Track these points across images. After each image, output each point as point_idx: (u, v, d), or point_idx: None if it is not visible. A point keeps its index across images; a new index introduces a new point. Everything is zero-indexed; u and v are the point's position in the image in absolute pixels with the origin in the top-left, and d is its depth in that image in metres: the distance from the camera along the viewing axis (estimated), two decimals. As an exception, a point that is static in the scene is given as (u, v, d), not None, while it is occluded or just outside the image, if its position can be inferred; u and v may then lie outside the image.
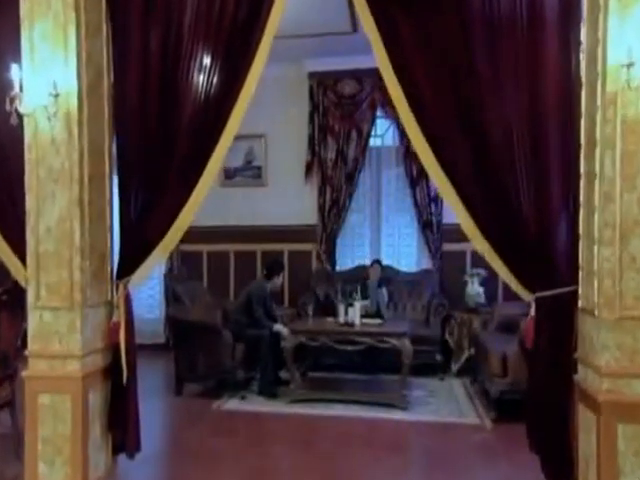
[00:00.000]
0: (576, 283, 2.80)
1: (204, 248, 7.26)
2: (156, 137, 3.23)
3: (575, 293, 2.81)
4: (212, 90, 3.21)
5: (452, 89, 2.98)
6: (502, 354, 4.38)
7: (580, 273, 2.79)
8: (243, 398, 5.06)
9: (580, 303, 2.79)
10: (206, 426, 4.44)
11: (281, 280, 5.57)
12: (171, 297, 5.23)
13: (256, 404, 4.93)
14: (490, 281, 6.18)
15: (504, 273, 2.99)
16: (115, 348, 3.24)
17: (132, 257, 3.28)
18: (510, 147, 2.90)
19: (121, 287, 3.25)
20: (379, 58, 3.11)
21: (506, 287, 6.44)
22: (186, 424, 4.58)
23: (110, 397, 3.25)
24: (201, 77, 3.21)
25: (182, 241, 7.22)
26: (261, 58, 3.19)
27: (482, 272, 6.02)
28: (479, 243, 3.02)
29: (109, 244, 3.28)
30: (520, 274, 2.94)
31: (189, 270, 7.00)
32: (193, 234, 7.23)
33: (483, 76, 2.93)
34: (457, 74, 2.96)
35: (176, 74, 3.20)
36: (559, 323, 2.87)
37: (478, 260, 6.45)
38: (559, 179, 2.85)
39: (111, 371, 3.24)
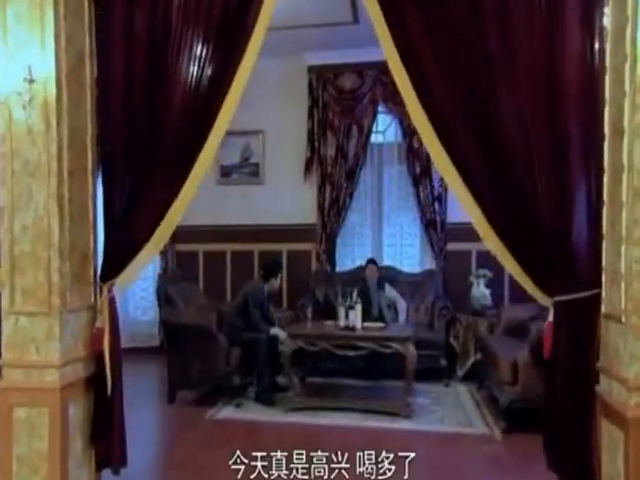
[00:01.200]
0: (599, 286, 2.57)
1: (200, 248, 7.04)
2: (143, 128, 2.99)
3: (598, 297, 2.57)
4: (202, 79, 2.97)
5: (463, 76, 2.73)
6: (512, 360, 4.14)
7: (603, 275, 2.55)
8: (238, 406, 4.82)
9: (604, 308, 2.55)
10: (198, 436, 4.19)
11: (279, 282, 5.32)
12: (163, 299, 4.98)
13: (252, 412, 4.69)
14: (496, 282, 5.95)
15: (519, 275, 2.74)
16: (98, 356, 3.00)
17: (117, 258, 3.03)
18: (526, 138, 2.66)
19: (105, 290, 3.01)
20: (384, 45, 2.87)
21: (512, 289, 6.29)
22: (177, 434, 4.34)
23: (93, 409, 3.01)
24: (191, 65, 2.97)
25: (177, 241, 7.10)
26: (255, 46, 2.96)
27: (488, 273, 5.79)
28: (492, 242, 2.78)
29: (92, 244, 3.04)
30: (537, 276, 2.69)
31: (184, 271, 6.77)
32: (188, 234, 7.06)
33: (496, 62, 2.68)
34: (468, 60, 2.72)
35: (164, 61, 2.96)
36: (580, 330, 2.63)
37: (484, 261, 6.23)
38: (580, 172, 2.60)
39: (94, 381, 3.00)
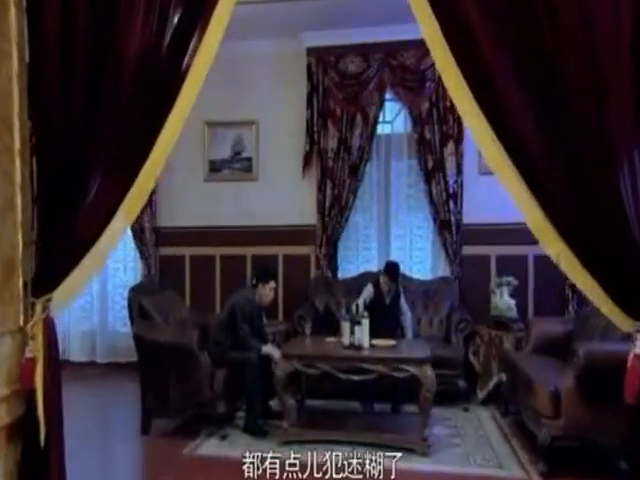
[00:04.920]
0: None
1: (186, 252, 6.34)
2: (87, 97, 2.31)
3: None
4: (166, 31, 2.33)
5: (514, 19, 2.04)
6: (553, 389, 3.41)
7: None
8: (224, 438, 4.10)
9: None
10: (173, 481, 3.46)
11: (267, 291, 4.44)
12: (136, 313, 4.26)
13: (239, 447, 3.95)
14: (518, 291, 5.22)
15: (590, 290, 2.05)
16: (30, 394, 2.29)
17: (55, 265, 2.35)
18: (599, 102, 1.97)
19: (38, 308, 2.31)
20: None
21: (538, 299, 5.58)
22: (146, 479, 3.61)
23: (20, 464, 2.29)
24: (150, 13, 2.30)
25: (161, 244, 6.40)
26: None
27: (513, 281, 5.08)
28: (552, 244, 2.09)
29: (21, 247, 2.33)
30: (616, 291, 1.99)
31: (169, 277, 6.09)
32: (173, 236, 6.33)
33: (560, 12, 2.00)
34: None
35: (116, 9, 2.30)
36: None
37: (504, 266, 5.51)
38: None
39: (22, 428, 2.29)
